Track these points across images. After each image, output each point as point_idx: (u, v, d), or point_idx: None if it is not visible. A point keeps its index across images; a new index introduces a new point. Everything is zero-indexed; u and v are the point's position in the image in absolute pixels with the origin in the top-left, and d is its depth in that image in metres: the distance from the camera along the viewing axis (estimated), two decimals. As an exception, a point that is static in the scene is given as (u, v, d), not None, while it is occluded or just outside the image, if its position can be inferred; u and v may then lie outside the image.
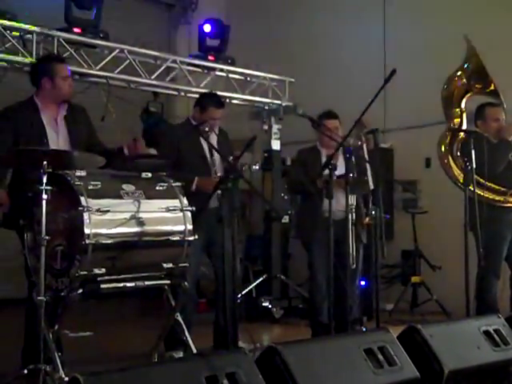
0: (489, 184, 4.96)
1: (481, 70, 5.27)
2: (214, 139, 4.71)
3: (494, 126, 5.17)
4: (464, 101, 5.40)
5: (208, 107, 4.71)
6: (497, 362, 3.59)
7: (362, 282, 6.19)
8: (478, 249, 4.64)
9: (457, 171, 5.28)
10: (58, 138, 3.97)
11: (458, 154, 5.29)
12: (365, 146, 4.98)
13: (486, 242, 4.64)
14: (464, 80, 5.36)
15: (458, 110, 5.40)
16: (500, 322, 3.80)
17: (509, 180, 5.10)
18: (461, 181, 5.05)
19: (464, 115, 5.40)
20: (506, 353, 3.64)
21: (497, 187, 5.03)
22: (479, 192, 4.72)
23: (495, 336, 3.67)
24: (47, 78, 3.99)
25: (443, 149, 5.42)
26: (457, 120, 5.41)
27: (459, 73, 5.39)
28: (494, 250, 4.88)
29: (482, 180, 4.88)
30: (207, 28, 6.49)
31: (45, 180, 3.24)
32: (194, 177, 4.51)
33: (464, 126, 5.38)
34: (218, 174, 4.56)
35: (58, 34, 5.34)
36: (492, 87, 5.29)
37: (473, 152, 4.61)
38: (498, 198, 5.03)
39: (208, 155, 4.66)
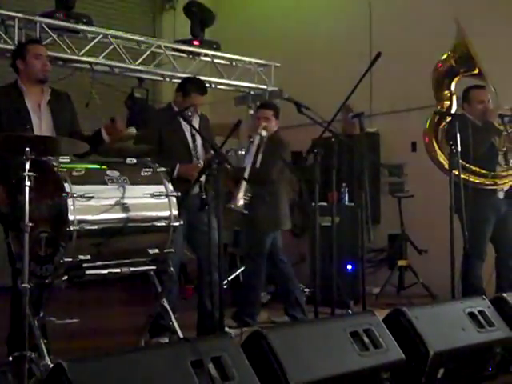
0: (472, 167, 4.99)
1: (467, 54, 5.28)
2: (196, 124, 4.68)
3: (479, 108, 5.19)
4: (454, 84, 5.41)
5: (191, 93, 4.66)
6: (481, 343, 3.62)
7: (349, 266, 6.25)
8: (464, 232, 4.66)
9: (441, 156, 5.30)
10: (40, 124, 3.94)
11: (444, 138, 5.31)
12: None
13: (470, 224, 4.66)
14: (453, 63, 5.38)
15: (447, 92, 5.41)
16: (485, 304, 3.82)
17: (491, 162, 5.13)
18: (445, 165, 5.08)
19: (454, 98, 5.42)
20: (490, 334, 3.67)
21: (478, 170, 5.05)
22: (463, 176, 4.74)
23: (480, 317, 3.69)
24: (20, 59, 4.00)
25: (428, 133, 5.44)
26: (446, 103, 5.42)
27: (448, 56, 5.40)
28: (478, 232, 4.90)
29: (466, 164, 4.91)
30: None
31: (27, 166, 3.21)
32: (175, 163, 4.49)
33: (454, 109, 5.39)
34: (200, 160, 4.55)
35: (41, 19, 5.29)
36: (476, 70, 5.31)
37: (458, 135, 4.61)
38: (479, 180, 5.06)
39: (190, 141, 4.63)
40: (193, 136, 4.56)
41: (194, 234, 4.58)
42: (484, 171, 5.08)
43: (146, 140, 4.46)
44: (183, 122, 4.59)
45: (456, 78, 5.43)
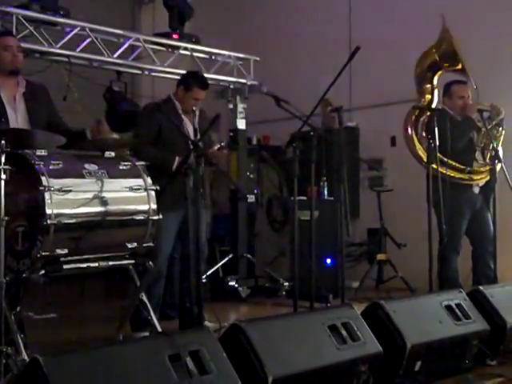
0: (449, 161, 5.03)
1: (451, 49, 5.32)
2: (196, 119, 4.67)
3: (459, 103, 5.25)
4: (436, 78, 5.44)
5: (193, 87, 4.65)
6: (458, 335, 3.64)
7: (328, 260, 6.27)
8: (441, 226, 4.69)
9: (420, 149, 5.33)
10: (16, 117, 3.91)
11: (423, 132, 5.34)
12: None
13: (446, 218, 4.70)
14: (436, 57, 5.41)
15: (429, 86, 5.45)
16: (461, 297, 3.86)
17: (468, 157, 5.19)
18: (424, 159, 5.12)
19: (436, 92, 5.46)
20: (467, 326, 3.70)
21: (456, 164, 5.10)
22: (441, 170, 4.77)
23: (457, 310, 3.72)
24: None
25: (408, 127, 5.47)
26: (428, 96, 5.45)
27: (432, 50, 5.43)
28: (453, 226, 4.93)
29: (444, 158, 4.95)
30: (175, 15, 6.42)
31: (3, 159, 3.18)
32: (174, 156, 4.47)
33: (435, 103, 5.42)
34: None
35: (17, 11, 5.22)
36: (459, 66, 5.36)
37: (436, 129, 4.64)
38: (456, 175, 5.10)
39: (192, 135, 4.60)
40: (195, 130, 4.51)
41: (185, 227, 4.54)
42: (461, 166, 5.13)
43: (145, 136, 4.46)
44: (184, 116, 4.59)
45: (439, 73, 5.47)
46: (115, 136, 4.07)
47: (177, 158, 4.47)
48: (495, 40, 6.39)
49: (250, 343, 2.89)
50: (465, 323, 3.70)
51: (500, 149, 5.24)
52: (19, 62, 4.01)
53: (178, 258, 4.94)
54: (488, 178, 5.19)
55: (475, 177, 5.19)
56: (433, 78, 5.46)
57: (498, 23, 6.43)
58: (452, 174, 5.05)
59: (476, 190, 5.24)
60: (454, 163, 5.08)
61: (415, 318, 3.52)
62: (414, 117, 5.44)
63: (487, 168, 5.19)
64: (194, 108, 4.54)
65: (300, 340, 3.08)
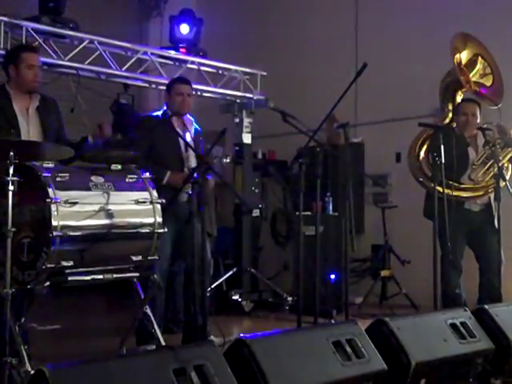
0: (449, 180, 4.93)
1: (456, 72, 5.33)
2: (186, 133, 4.68)
3: (462, 119, 5.28)
4: (458, 97, 5.43)
5: (173, 85, 4.73)
6: (463, 354, 3.63)
7: (332, 276, 6.26)
8: (441, 243, 4.68)
9: (422, 172, 5.30)
10: (28, 129, 3.94)
11: (426, 150, 5.32)
12: None
13: (442, 235, 4.68)
14: (452, 77, 5.43)
15: (450, 105, 5.43)
16: (466, 315, 3.84)
17: (458, 173, 5.07)
18: (426, 184, 5.10)
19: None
20: (471, 345, 3.68)
21: (452, 183, 5.00)
22: (447, 190, 4.73)
23: (461, 329, 3.70)
24: (13, 65, 4.01)
25: (413, 152, 5.43)
26: (449, 115, 5.44)
27: (452, 69, 5.43)
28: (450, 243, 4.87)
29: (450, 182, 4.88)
30: (183, 28, 6.51)
31: (11, 171, 3.20)
32: (166, 170, 4.48)
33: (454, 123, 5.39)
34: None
35: (27, 23, 5.26)
36: (464, 89, 5.37)
37: (442, 147, 4.64)
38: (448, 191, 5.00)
39: (183, 150, 4.62)
40: (186, 145, 4.52)
41: (183, 242, 4.55)
42: (450, 182, 5.00)
43: (136, 146, 4.47)
44: (177, 130, 4.61)
45: (458, 92, 5.46)
46: (119, 137, 4.07)
47: (169, 172, 4.47)
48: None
49: (255, 358, 2.88)
50: (470, 342, 3.68)
51: (510, 168, 5.22)
52: (39, 81, 4.08)
53: (180, 272, 4.95)
54: (487, 196, 5.16)
55: (460, 194, 5.11)
56: (453, 98, 5.44)
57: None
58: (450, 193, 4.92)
59: (474, 207, 5.19)
60: (456, 184, 5.03)
61: (420, 336, 3.50)
62: (420, 141, 5.39)
63: (483, 185, 5.15)
64: (185, 124, 4.56)
65: (304, 356, 3.06)
